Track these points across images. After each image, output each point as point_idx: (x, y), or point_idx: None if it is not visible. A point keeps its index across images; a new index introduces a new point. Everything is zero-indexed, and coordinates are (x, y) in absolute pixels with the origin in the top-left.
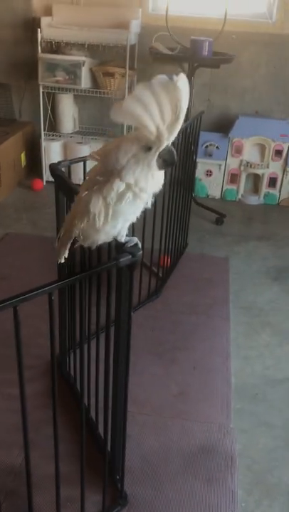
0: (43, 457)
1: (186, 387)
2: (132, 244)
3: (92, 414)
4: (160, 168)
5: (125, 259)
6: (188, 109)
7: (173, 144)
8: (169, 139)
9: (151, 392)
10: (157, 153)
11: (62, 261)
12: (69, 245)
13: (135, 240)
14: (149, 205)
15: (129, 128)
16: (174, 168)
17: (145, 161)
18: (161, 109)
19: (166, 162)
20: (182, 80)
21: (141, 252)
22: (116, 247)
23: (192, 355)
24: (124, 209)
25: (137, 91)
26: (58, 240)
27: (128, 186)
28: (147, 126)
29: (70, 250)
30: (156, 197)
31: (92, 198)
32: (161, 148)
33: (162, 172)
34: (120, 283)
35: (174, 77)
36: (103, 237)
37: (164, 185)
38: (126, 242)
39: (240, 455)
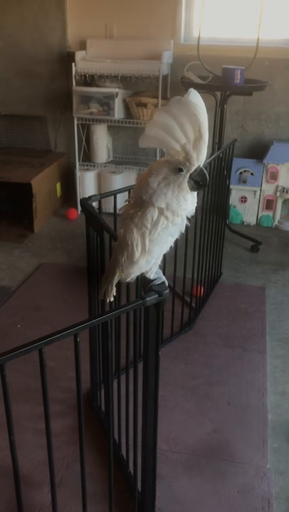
0: (73, 495)
1: (220, 424)
2: (159, 282)
3: (124, 451)
4: (192, 189)
5: (152, 299)
6: (220, 135)
7: (205, 166)
8: (198, 160)
9: (183, 429)
10: (188, 174)
11: (112, 299)
12: (115, 283)
13: (163, 278)
14: (183, 230)
15: (162, 153)
16: (206, 194)
17: (176, 183)
18: (182, 126)
19: (197, 183)
20: (193, 94)
21: (168, 290)
22: (143, 285)
23: (227, 390)
24: (160, 237)
25: (155, 115)
26: (102, 278)
27: (160, 211)
28: (172, 146)
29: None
30: (192, 215)
31: (128, 229)
32: (192, 170)
33: (195, 194)
34: (147, 322)
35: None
36: (137, 271)
37: (196, 211)
38: (153, 280)
39: (277, 498)
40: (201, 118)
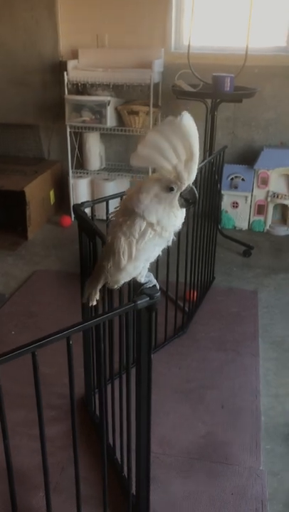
0: (69, 499)
1: (213, 427)
2: (150, 285)
3: (118, 455)
4: (182, 206)
5: (143, 302)
6: (211, 142)
7: (194, 181)
8: (189, 179)
9: (177, 432)
10: (178, 192)
11: (94, 303)
12: (99, 287)
13: (154, 281)
14: (170, 243)
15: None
16: (198, 200)
17: (167, 201)
18: (174, 147)
19: (187, 201)
20: (186, 117)
21: (159, 293)
22: (134, 289)
23: (220, 393)
24: (147, 246)
25: (147, 136)
26: (87, 282)
27: (150, 224)
28: (164, 166)
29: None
30: (180, 229)
31: (115, 237)
32: (183, 189)
33: (184, 210)
34: (139, 325)
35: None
36: (125, 277)
37: (188, 217)
38: (144, 283)
39: (271, 500)
40: (192, 140)
